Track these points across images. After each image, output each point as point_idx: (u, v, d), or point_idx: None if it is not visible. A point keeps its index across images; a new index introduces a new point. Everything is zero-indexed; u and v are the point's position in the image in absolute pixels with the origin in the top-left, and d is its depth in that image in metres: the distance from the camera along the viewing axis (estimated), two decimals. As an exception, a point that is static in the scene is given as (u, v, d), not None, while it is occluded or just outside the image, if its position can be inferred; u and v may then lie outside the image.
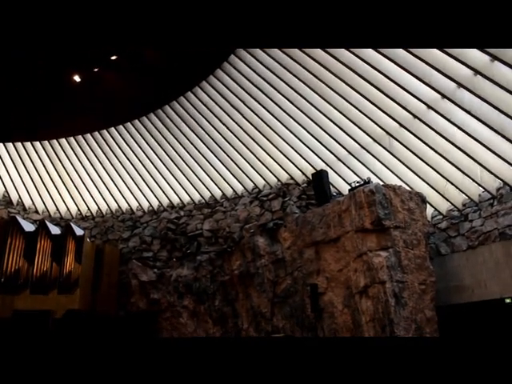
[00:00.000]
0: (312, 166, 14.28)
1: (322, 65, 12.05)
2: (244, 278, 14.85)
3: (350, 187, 12.65)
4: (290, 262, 13.86)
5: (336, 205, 12.55)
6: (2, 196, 19.08)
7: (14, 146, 18.26)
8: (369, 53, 10.96)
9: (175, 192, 17.70)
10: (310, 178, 14.25)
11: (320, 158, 14.06)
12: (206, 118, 15.54)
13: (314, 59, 12.08)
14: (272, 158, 15.00)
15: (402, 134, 12.09)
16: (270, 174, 15.48)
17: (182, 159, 16.80)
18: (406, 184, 12.64)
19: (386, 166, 12.97)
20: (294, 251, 13.77)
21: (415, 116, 11.47)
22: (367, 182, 12.06)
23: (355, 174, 13.43)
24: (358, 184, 12.26)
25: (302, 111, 13.43)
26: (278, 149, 14.70)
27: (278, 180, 15.36)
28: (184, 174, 17.13)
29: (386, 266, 10.84)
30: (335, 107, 12.64)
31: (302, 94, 13.09)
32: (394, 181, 12.61)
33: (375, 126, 12.32)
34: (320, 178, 13.53)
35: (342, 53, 11.42)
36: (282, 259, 14.08)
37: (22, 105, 15.54)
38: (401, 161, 12.59)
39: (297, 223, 13.80)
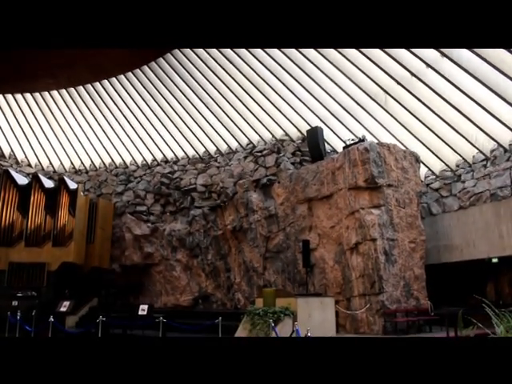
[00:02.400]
0: (307, 123, 14.15)
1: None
2: (237, 232, 14.98)
3: (344, 145, 12.58)
4: (282, 217, 13.95)
5: (330, 162, 12.52)
6: (-6, 149, 18.90)
7: (5, 97, 17.93)
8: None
9: (169, 146, 17.60)
10: (305, 134, 14.15)
11: (315, 115, 13.91)
12: (200, 71, 15.23)
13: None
14: (267, 113, 14.84)
15: (398, 92, 11.91)
16: (265, 130, 15.36)
17: (176, 113, 16.60)
18: (401, 143, 12.59)
19: (380, 124, 12.87)
20: (286, 207, 13.83)
21: (413, 74, 11.28)
22: (362, 139, 11.98)
23: (350, 131, 13.32)
24: (352, 142, 12.19)
25: (296, 65, 13.15)
26: (272, 104, 14.52)
27: (273, 136, 15.26)
28: (178, 128, 16.97)
29: (378, 224, 10.94)
30: (330, 62, 12.38)
31: (301, 52, 12.80)
32: (388, 139, 12.55)
33: (371, 82, 12.12)
34: (315, 134, 13.43)
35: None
36: (275, 215, 14.16)
37: (12, 55, 15.13)
38: (396, 119, 12.47)
39: (290, 179, 13.79)
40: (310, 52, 12.60)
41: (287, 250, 13.63)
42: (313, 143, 13.49)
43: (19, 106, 18.11)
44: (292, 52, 12.99)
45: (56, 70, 16.12)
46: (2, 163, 18.39)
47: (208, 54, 14.63)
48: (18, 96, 17.90)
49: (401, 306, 10.70)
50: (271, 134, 15.26)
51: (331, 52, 12.13)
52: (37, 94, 17.77)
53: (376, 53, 11.33)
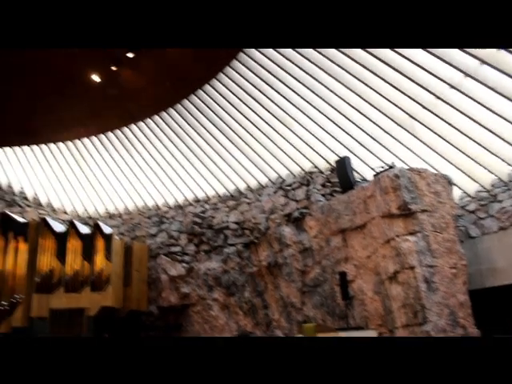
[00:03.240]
0: (335, 153, 14.14)
1: (339, 51, 11.87)
2: (272, 268, 14.88)
3: (374, 173, 12.48)
4: (317, 250, 13.81)
5: (361, 191, 12.41)
6: (32, 198, 19.56)
7: (40, 148, 18.65)
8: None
9: (199, 186, 17.81)
10: (333, 165, 14.12)
11: (342, 145, 13.89)
12: (225, 110, 15.53)
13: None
14: (294, 147, 14.91)
15: (424, 117, 11.82)
16: (293, 163, 15.40)
17: (204, 153, 16.87)
18: (431, 167, 12.40)
19: (409, 150, 12.74)
20: (320, 239, 13.71)
21: (438, 97, 11.20)
22: (391, 166, 11.87)
23: (379, 159, 13.23)
24: (382, 169, 12.08)
25: (321, 98, 13.26)
26: (299, 137, 14.60)
27: (302, 169, 15.27)
28: (207, 168, 17.20)
29: (415, 251, 10.69)
30: (355, 92, 12.44)
31: (320, 81, 12.92)
32: (418, 164, 12.37)
33: (397, 109, 12.08)
34: (343, 164, 13.38)
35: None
36: (310, 248, 14.03)
37: (44, 107, 15.81)
38: (425, 143, 12.34)
39: (322, 211, 13.71)
40: (334, 84, 12.70)
41: (324, 283, 13.43)
42: (342, 173, 13.43)
43: (53, 155, 18.79)
44: (315, 85, 13.11)
45: (86, 119, 16.76)
46: (39, 212, 18.97)
47: (231, 91, 14.92)
48: (52, 145, 18.57)
49: (447, 335, 10.31)
50: (299, 167, 15.28)
51: (355, 82, 12.21)
52: (69, 143, 18.41)
53: (400, 79, 11.33)
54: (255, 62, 13.85)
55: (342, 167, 13.42)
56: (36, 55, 13.07)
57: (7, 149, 18.89)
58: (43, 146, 18.79)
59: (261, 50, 13.49)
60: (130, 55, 13.58)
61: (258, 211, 15.80)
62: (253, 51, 13.71)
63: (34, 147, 18.81)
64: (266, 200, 15.78)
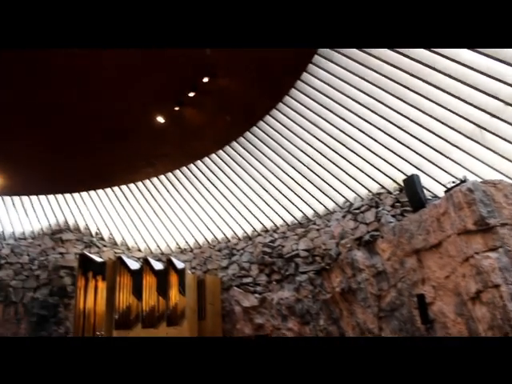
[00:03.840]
0: (402, 172, 13.74)
1: (397, 67, 11.67)
2: (346, 294, 14.50)
3: (445, 189, 11.97)
4: (391, 273, 13.32)
5: (433, 209, 11.91)
6: (107, 238, 20.49)
7: (112, 190, 19.62)
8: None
9: (267, 216, 17.87)
10: (402, 184, 13.71)
11: (409, 163, 13.49)
12: (287, 139, 15.63)
13: (389, 63, 11.73)
14: (359, 169, 14.67)
15: (493, 125, 11.27)
16: (360, 186, 15.12)
17: (270, 183, 16.98)
18: (507, 177, 11.72)
19: (481, 161, 12.13)
20: (394, 262, 13.23)
21: (507, 103, 10.66)
22: (463, 180, 11.34)
23: (449, 174, 12.69)
24: (453, 184, 11.57)
25: (383, 118, 13.04)
26: (364, 159, 14.36)
27: (369, 191, 14.95)
28: (274, 198, 17.27)
29: (498, 268, 10.01)
30: (416, 108, 12.13)
31: (380, 101, 12.73)
32: (492, 176, 11.73)
33: (463, 120, 11.60)
34: (412, 183, 12.95)
35: (417, 52, 10.98)
36: (384, 271, 13.57)
37: (114, 152, 16.68)
38: (497, 153, 11.70)
39: (394, 232, 13.27)
40: (395, 102, 12.46)
41: (402, 307, 12.87)
42: (411, 192, 12.98)
43: (125, 196, 19.70)
44: (376, 105, 12.93)
45: (153, 159, 17.49)
46: (115, 251, 19.81)
47: (291, 120, 15.05)
48: (123, 187, 19.51)
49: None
50: (367, 189, 14.97)
51: (416, 97, 11.92)
52: (139, 183, 19.27)
53: (464, 89, 10.93)
54: (311, 87, 13.93)
55: (411, 186, 12.99)
56: (103, 101, 13.94)
57: (83, 193, 20.04)
58: (115, 188, 19.77)
59: (316, 75, 13.56)
60: (191, 94, 14.10)
61: (328, 237, 15.57)
62: (308, 78, 13.81)
63: (107, 189, 19.83)
64: (335, 225, 15.53)
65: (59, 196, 20.40)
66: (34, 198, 20.34)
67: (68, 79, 13.00)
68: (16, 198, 20.22)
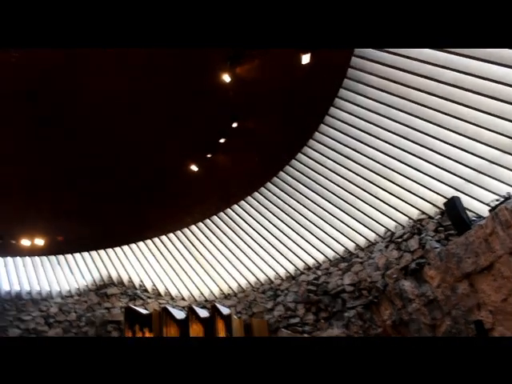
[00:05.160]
0: (441, 196, 13.46)
1: (424, 91, 11.66)
2: (398, 326, 14.01)
3: (489, 207, 11.63)
4: (443, 300, 12.85)
5: (479, 229, 11.55)
6: (151, 289, 20.60)
7: (152, 241, 19.91)
8: (473, 64, 10.36)
9: (308, 253, 17.69)
10: (443, 208, 13.40)
11: (448, 185, 13.23)
12: (320, 174, 15.65)
13: (416, 88, 11.73)
14: (397, 197, 14.48)
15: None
16: (399, 214, 14.86)
17: (308, 219, 16.90)
18: (555, 190, 11.33)
19: (524, 176, 11.80)
20: (445, 288, 12.77)
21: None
22: (508, 197, 11.02)
23: (491, 192, 12.35)
24: (497, 202, 11.24)
25: (415, 143, 12.93)
26: (401, 187, 14.18)
27: (409, 218, 14.66)
28: (313, 234, 17.13)
29: (557, 284, 9.57)
30: (449, 129, 12.00)
31: (411, 126, 12.67)
32: (538, 189, 11.38)
33: (500, 136, 11.36)
34: (453, 205, 12.65)
35: (444, 73, 10.97)
36: (435, 299, 13.11)
37: (152, 203, 17.03)
38: (542, 166, 11.38)
39: (441, 258, 12.88)
40: (425, 125, 12.37)
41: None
42: (454, 215, 12.66)
43: (165, 246, 19.95)
44: (409, 131, 12.85)
45: (190, 207, 17.74)
46: (159, 301, 19.86)
47: (323, 155, 15.09)
48: (162, 237, 19.81)
49: None
50: (407, 216, 14.69)
51: (448, 119, 11.81)
52: (178, 232, 19.55)
53: (497, 105, 10.76)
54: (340, 121, 14.01)
55: (453, 208, 12.68)
56: (140, 157, 14.39)
57: (124, 246, 20.39)
58: (155, 239, 20.08)
59: (344, 109, 13.66)
60: (222, 140, 14.38)
61: (373, 269, 15.24)
62: (336, 112, 13.92)
63: (147, 241, 20.13)
64: (379, 256, 15.22)
65: (101, 251, 20.79)
66: (77, 255, 20.79)
67: (106, 141, 13.56)
68: (61, 257, 20.71)
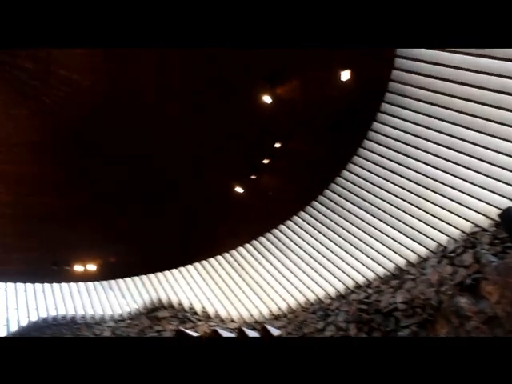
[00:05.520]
0: (495, 207, 12.92)
1: (469, 100, 11.34)
2: (456, 346, 13.41)
3: (547, 217, 11.06)
4: (505, 317, 12.21)
5: (538, 241, 11.01)
6: (200, 312, 20.69)
7: (201, 264, 20.10)
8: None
9: (357, 271, 17.33)
10: (497, 219, 12.84)
11: (501, 196, 12.70)
12: (367, 191, 15.42)
13: (460, 97, 11.43)
14: (447, 210, 14.02)
15: None
16: (451, 228, 14.35)
17: (356, 237, 16.62)
18: None
19: None
20: (505, 304, 12.15)
21: None
22: None
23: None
24: (556, 210, 10.68)
25: (464, 153, 12.55)
26: (451, 199, 13.74)
27: (462, 231, 14.13)
28: (361, 251, 16.81)
29: None
30: (498, 137, 11.57)
31: (459, 137, 12.33)
32: None
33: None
34: (508, 216, 12.08)
35: (489, 80, 10.63)
36: (495, 316, 12.48)
37: (200, 227, 17.24)
38: None
39: (498, 272, 12.31)
40: (472, 135, 11.99)
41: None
42: (510, 226, 12.10)
43: (213, 268, 20.09)
44: (455, 142, 12.50)
45: (237, 229, 17.82)
46: (209, 324, 19.88)
47: (368, 171, 14.87)
48: (211, 259, 19.97)
49: None
50: (459, 230, 14.18)
51: (495, 126, 11.40)
52: (225, 254, 19.66)
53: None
54: (383, 135, 13.81)
55: (508, 219, 12.11)
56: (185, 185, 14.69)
57: (173, 270, 20.66)
58: (203, 262, 20.24)
59: (387, 123, 13.46)
60: (266, 161, 14.43)
61: (426, 286, 14.72)
62: (382, 127, 13.72)
63: (196, 264, 20.33)
64: (432, 272, 14.70)
65: (151, 275, 21.13)
66: (128, 280, 21.21)
67: (154, 168, 13.95)
68: (112, 282, 21.19)
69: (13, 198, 14.94)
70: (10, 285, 20.25)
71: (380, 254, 16.41)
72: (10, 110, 11.98)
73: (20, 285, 20.45)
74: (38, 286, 20.72)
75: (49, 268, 18.08)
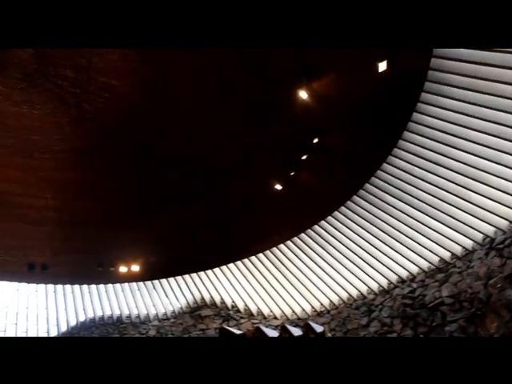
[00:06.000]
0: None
1: (500, 96, 10.93)
2: (507, 340, 13.00)
3: None
4: (558, 310, 11.77)
5: None
6: (243, 310, 20.78)
7: (242, 262, 20.17)
8: None
9: (400, 265, 17.01)
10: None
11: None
12: (409, 183, 15.12)
13: (504, 82, 11.00)
14: (493, 200, 13.57)
15: None
16: (498, 218, 13.88)
17: (398, 230, 16.35)
18: None
19: None
20: (559, 296, 11.71)
21: None
22: None
23: None
24: None
25: (510, 141, 12.09)
26: (497, 189, 13.28)
27: (510, 222, 13.65)
28: (404, 245, 16.49)
29: None
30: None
31: (504, 123, 11.89)
32: None
33: None
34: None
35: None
36: (548, 309, 12.04)
37: (241, 225, 17.31)
38: None
39: (550, 263, 11.86)
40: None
41: None
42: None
43: (255, 266, 20.17)
44: (503, 130, 12.05)
45: (278, 227, 17.78)
46: (252, 321, 19.96)
47: (409, 163, 14.54)
48: (252, 258, 20.04)
49: None
50: (507, 220, 13.69)
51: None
52: (267, 252, 19.68)
53: None
54: (428, 127, 13.48)
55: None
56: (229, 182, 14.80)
57: (215, 269, 20.84)
58: (245, 260, 20.31)
59: (430, 112, 13.13)
60: (304, 157, 14.33)
61: (473, 279, 14.31)
62: (423, 117, 13.40)
63: (238, 263, 20.42)
64: (479, 265, 14.27)
65: (193, 275, 21.36)
66: (171, 279, 21.52)
67: (194, 169, 14.16)
68: (156, 282, 21.55)
69: (59, 203, 15.40)
70: (59, 286, 20.89)
71: (424, 247, 16.05)
72: (53, 118, 12.34)
73: (68, 286, 21.07)
74: (85, 287, 21.30)
75: (95, 269, 18.55)
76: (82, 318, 21.20)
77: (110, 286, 21.47)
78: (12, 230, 16.17)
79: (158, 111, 12.28)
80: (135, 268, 18.84)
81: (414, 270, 16.69)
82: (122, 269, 18.79)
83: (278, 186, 15.42)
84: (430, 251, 15.98)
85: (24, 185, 14.50)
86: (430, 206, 15.03)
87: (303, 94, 11.67)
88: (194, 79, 11.47)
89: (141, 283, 21.57)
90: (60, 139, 13.06)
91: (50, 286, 20.72)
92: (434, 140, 13.59)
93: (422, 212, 15.36)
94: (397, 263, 17.01)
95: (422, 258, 16.29)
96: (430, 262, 16.18)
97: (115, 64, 10.88)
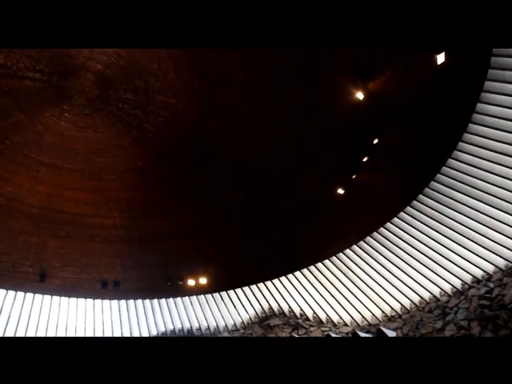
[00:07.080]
0: None
1: None
2: None
3: None
4: None
5: None
6: (312, 318, 20.55)
7: (309, 269, 20.00)
8: None
9: (474, 264, 16.20)
10: None
11: None
12: (476, 177, 14.44)
13: None
14: None
15: None
16: None
17: (468, 228, 15.65)
18: None
19: None
20: None
21: None
22: None
23: None
24: None
25: None
26: None
27: None
28: (476, 243, 15.71)
29: None
30: None
31: None
32: None
33: None
34: None
35: None
36: None
37: (306, 232, 17.19)
38: None
39: None
40: None
41: None
42: None
43: (321, 272, 19.92)
44: None
45: (343, 231, 17.49)
46: (322, 329, 19.71)
47: (476, 156, 13.90)
48: (319, 264, 19.76)
49: None
50: None
51: None
52: (333, 258, 19.39)
53: None
54: (493, 116, 12.86)
55: None
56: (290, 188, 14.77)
57: (282, 277, 20.77)
58: (311, 267, 20.13)
59: (495, 99, 12.53)
60: (365, 159, 14.06)
61: (556, 275, 13.42)
62: (486, 106, 12.82)
63: (304, 270, 20.27)
64: (563, 260, 13.37)
65: (261, 285, 21.39)
66: (238, 290, 21.64)
67: (256, 180, 14.27)
68: (223, 294, 21.75)
69: (127, 222, 15.96)
70: (131, 302, 21.55)
71: (498, 244, 15.21)
72: (117, 140, 12.86)
73: (139, 302, 21.70)
74: (155, 301, 21.83)
75: (164, 284, 19.00)
76: (154, 332, 21.71)
77: (179, 299, 21.88)
78: (85, 249, 16.92)
79: (216, 125, 12.48)
80: (203, 281, 19.13)
81: (490, 268, 15.85)
82: (190, 282, 19.14)
83: (341, 191, 15.20)
84: (507, 248, 15.12)
85: (93, 206, 15.17)
86: (501, 199, 14.28)
87: (359, 95, 11.47)
88: (245, 89, 11.57)
89: (209, 295, 21.84)
90: (124, 160, 13.58)
91: (123, 302, 21.40)
92: (501, 130, 12.93)
93: (493, 207, 14.61)
94: (470, 262, 16.23)
95: (498, 255, 15.44)
96: (507, 260, 15.31)
97: (171, 82, 11.19)
